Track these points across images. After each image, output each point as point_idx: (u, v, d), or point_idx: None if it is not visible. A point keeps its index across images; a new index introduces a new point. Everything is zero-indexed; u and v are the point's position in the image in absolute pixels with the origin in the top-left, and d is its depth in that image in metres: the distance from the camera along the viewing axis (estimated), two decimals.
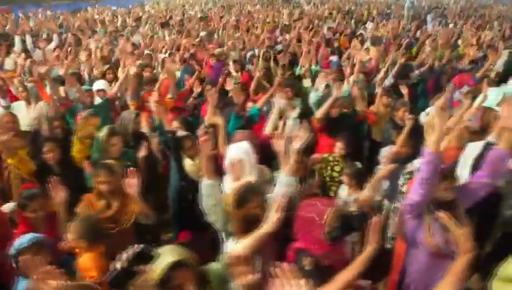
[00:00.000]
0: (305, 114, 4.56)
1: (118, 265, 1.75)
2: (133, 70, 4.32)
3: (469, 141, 3.58)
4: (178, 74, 6.16)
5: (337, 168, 3.86)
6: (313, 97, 4.72)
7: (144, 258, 1.83)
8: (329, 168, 3.87)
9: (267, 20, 12.44)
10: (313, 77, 6.03)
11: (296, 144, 2.39)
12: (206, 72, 6.49)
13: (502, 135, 2.27)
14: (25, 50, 7.97)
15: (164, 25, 11.75)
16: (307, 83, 6.27)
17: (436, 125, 2.26)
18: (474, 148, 3.33)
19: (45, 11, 14.69)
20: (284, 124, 4.94)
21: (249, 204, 2.27)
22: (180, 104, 5.09)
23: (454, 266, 1.92)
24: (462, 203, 2.48)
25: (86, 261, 2.30)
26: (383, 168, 2.52)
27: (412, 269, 2.51)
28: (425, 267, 2.42)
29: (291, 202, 2.53)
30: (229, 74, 5.75)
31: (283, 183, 2.40)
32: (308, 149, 4.60)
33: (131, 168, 2.73)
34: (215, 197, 2.27)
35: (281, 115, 4.92)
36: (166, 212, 4.26)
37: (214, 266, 2.10)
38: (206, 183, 2.27)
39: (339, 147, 3.86)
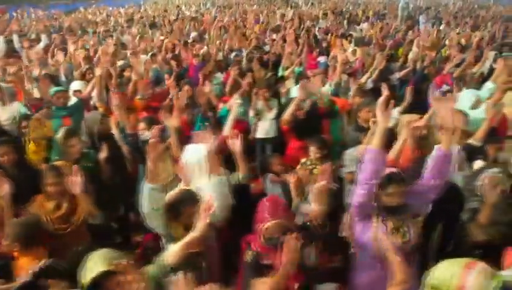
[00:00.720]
0: None
1: (27, 277, 1.72)
2: (99, 71, 4.28)
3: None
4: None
5: (315, 171, 3.83)
6: (284, 100, 4.70)
7: (53, 272, 1.80)
8: (308, 172, 3.83)
9: (261, 20, 12.40)
10: (296, 78, 5.98)
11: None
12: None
13: (444, 135, 2.25)
14: (13, 50, 8.02)
15: (152, 25, 11.73)
16: (289, 84, 6.22)
17: (378, 124, 2.23)
18: None
19: (37, 11, 14.69)
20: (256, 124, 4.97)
21: (183, 213, 2.25)
22: (156, 104, 5.06)
23: None
24: (411, 208, 2.45)
25: (24, 265, 2.25)
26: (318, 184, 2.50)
27: (359, 272, 2.48)
28: (371, 271, 2.39)
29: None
30: (208, 74, 5.71)
31: (211, 185, 2.38)
32: (278, 149, 4.60)
33: (75, 166, 2.70)
34: (157, 201, 2.24)
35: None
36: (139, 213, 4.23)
37: (151, 269, 2.08)
38: (148, 187, 2.23)
39: (313, 151, 3.83)
